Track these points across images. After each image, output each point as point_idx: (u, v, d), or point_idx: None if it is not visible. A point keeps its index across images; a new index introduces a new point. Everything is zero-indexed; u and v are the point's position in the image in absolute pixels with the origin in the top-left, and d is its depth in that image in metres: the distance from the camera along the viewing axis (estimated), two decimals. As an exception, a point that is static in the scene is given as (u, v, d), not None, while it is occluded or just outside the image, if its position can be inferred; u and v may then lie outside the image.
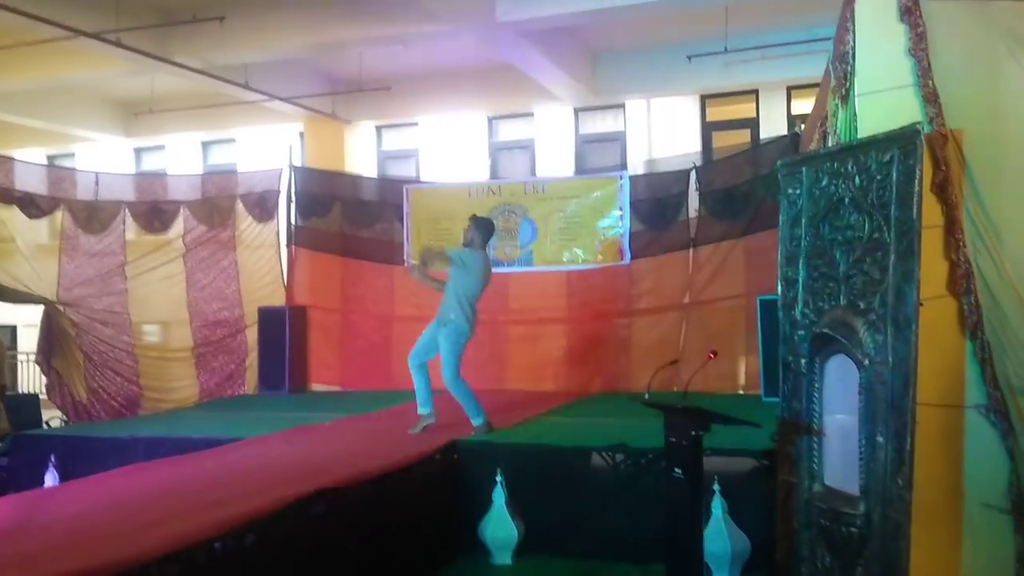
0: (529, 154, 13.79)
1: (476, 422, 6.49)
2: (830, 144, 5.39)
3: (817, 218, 4.61)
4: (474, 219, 6.95)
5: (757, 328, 7.98)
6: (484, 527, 5.47)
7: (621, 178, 9.94)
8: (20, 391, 12.13)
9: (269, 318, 9.94)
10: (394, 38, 10.34)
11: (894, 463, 3.96)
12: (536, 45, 10.49)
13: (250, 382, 10.09)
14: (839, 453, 4.46)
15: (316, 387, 10.31)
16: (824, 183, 4.56)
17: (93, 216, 9.63)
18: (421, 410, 6.69)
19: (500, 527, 5.44)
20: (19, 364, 13.67)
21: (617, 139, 13.35)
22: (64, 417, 9.10)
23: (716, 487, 5.00)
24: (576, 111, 13.45)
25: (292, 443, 6.39)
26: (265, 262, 10.35)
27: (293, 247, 10.51)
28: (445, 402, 6.90)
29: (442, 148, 14.02)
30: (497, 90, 12.94)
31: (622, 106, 13.25)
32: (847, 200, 4.37)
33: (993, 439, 4.27)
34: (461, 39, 10.58)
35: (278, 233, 10.42)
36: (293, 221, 10.53)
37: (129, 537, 3.63)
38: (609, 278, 9.75)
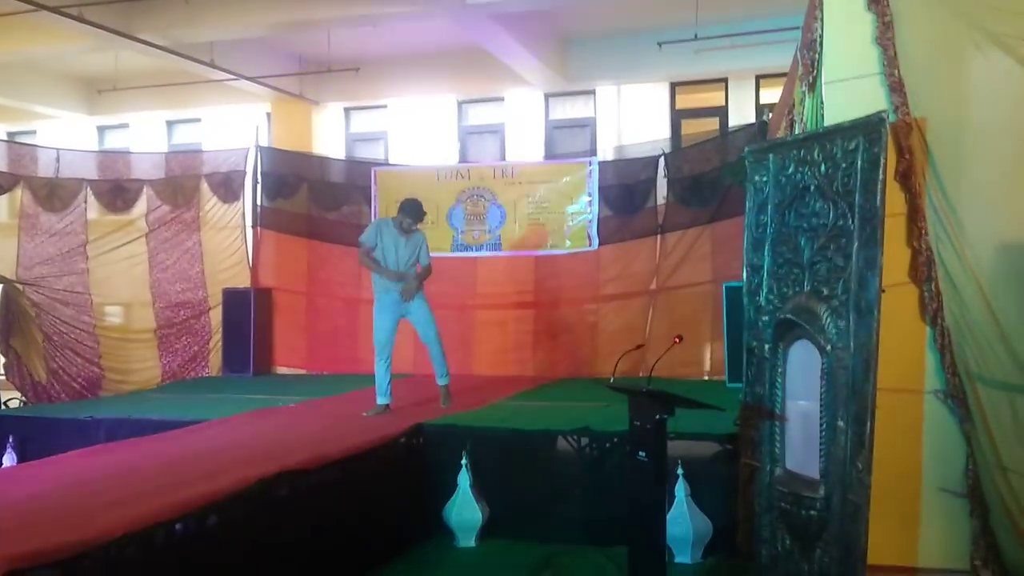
0: (499, 139, 13.74)
1: (444, 381, 6.96)
2: (797, 132, 5.43)
3: (783, 205, 4.64)
4: (401, 206, 7.05)
5: (723, 314, 8.04)
6: (449, 510, 5.48)
7: (590, 164, 9.95)
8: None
9: (234, 300, 9.84)
10: (363, 18, 10.22)
11: (854, 447, 4.02)
12: (507, 29, 10.43)
13: (214, 364, 9.99)
14: (800, 437, 4.51)
15: (281, 370, 10.24)
16: (790, 170, 4.60)
17: (54, 194, 9.45)
18: (384, 400, 6.80)
19: (465, 510, 5.45)
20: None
21: (587, 125, 13.35)
22: (23, 398, 8.95)
23: (680, 471, 5.04)
24: (546, 96, 13.42)
25: (255, 425, 6.35)
26: (230, 243, 10.23)
27: (259, 228, 10.39)
28: (409, 385, 6.91)
29: (411, 131, 13.93)
30: (467, 74, 12.86)
31: (592, 92, 13.24)
32: (812, 188, 4.40)
33: (951, 424, 4.36)
34: (431, 21, 10.50)
35: (244, 214, 10.30)
36: (259, 202, 10.41)
37: (88, 517, 3.58)
38: (577, 264, 9.77)
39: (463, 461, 5.49)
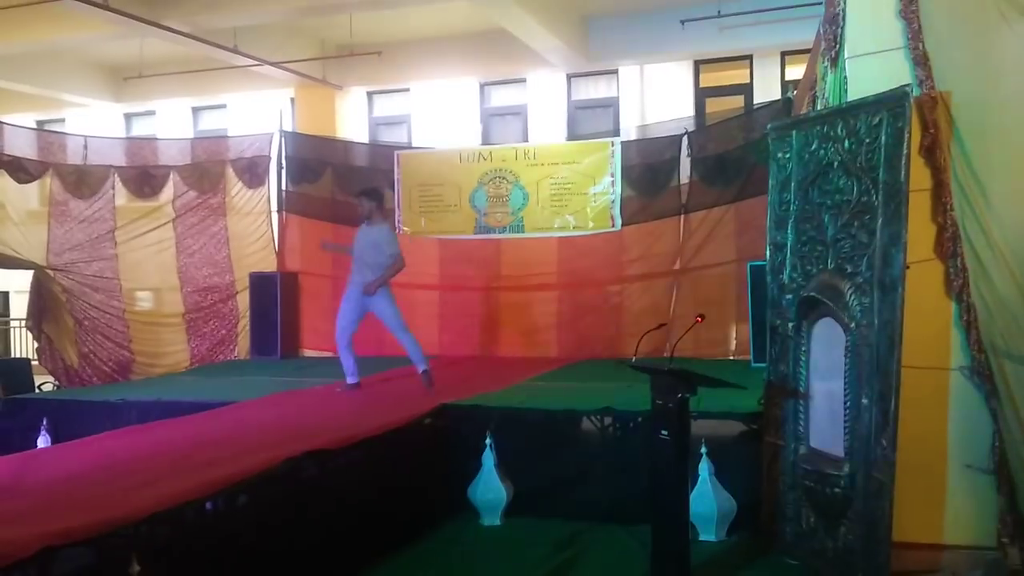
0: (521, 120, 13.71)
1: (423, 368, 7.05)
2: (820, 108, 5.38)
3: (806, 182, 4.62)
4: (360, 196, 7.45)
5: (747, 294, 8.00)
6: (474, 489, 5.52)
7: (613, 144, 9.89)
8: (12, 356, 12.13)
9: (260, 284, 9.94)
10: (385, 1, 10.23)
11: (879, 425, 4.01)
12: (528, 9, 10.39)
13: (242, 347, 10.10)
14: (825, 415, 4.51)
15: (308, 352, 10.32)
16: (814, 147, 4.57)
17: (82, 181, 9.57)
18: (353, 380, 7.16)
19: (489, 489, 5.49)
20: (11, 330, 13.65)
21: (610, 105, 13.28)
22: (56, 382, 9.11)
23: (703, 449, 5.04)
24: (569, 77, 13.35)
25: (283, 407, 6.43)
26: (256, 228, 10.31)
27: (284, 213, 10.46)
28: (433, 367, 6.97)
29: (434, 114, 13.93)
30: (489, 55, 12.84)
31: (615, 72, 13.16)
32: (836, 164, 4.38)
33: (977, 401, 4.32)
34: (453, 3, 10.48)
35: (269, 199, 10.37)
36: (284, 187, 10.48)
37: (120, 496, 3.65)
38: (600, 244, 9.74)
39: (487, 441, 5.53)
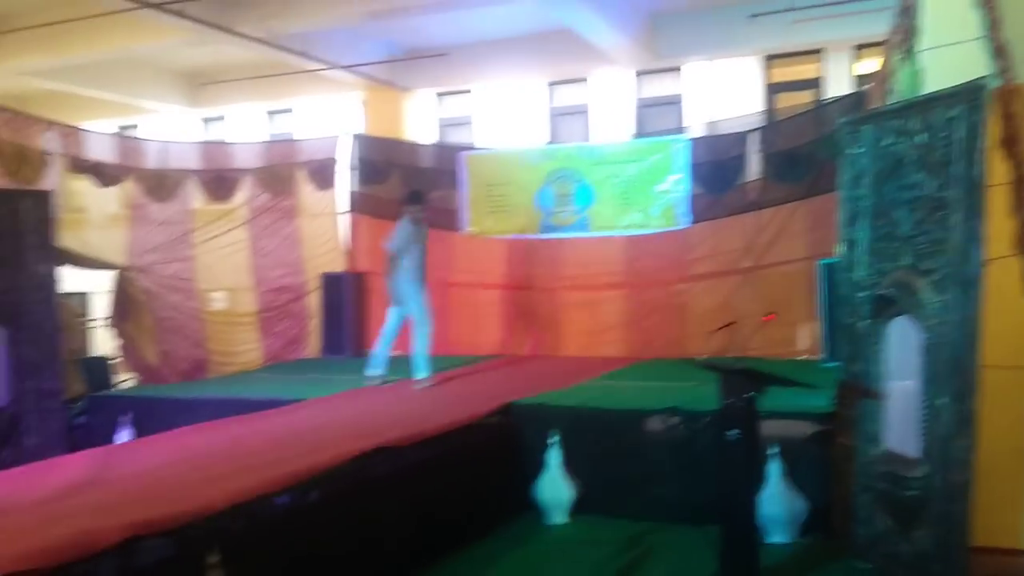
0: (586, 119, 13.67)
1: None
2: (893, 102, 5.24)
3: (880, 177, 4.52)
4: (408, 199, 7.98)
5: (819, 292, 7.85)
6: (539, 487, 5.54)
7: (680, 141, 9.79)
8: (93, 355, 12.58)
9: (331, 284, 10.12)
10: (451, 4, 10.32)
11: (957, 425, 3.91)
12: (593, 8, 10.36)
13: (312, 346, 10.30)
14: (900, 416, 4.40)
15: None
16: (888, 141, 4.47)
17: (160, 184, 9.85)
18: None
19: (554, 487, 5.50)
20: (93, 329, 14.16)
21: (676, 102, 13.14)
22: (136, 379, 9.42)
23: (774, 450, 4.96)
24: (636, 74, 13.27)
25: (353, 404, 6.55)
26: (326, 229, 10.51)
27: (353, 214, 10.63)
28: (500, 366, 7.00)
29: (499, 114, 14.00)
30: (554, 55, 12.83)
31: (682, 68, 13.03)
32: (911, 158, 4.27)
33: (1060, 402, 4.16)
34: (519, 4, 10.51)
35: (338, 200, 10.54)
36: (353, 188, 10.65)
37: (198, 490, 3.77)
38: (667, 243, 9.65)
39: (553, 439, 5.54)
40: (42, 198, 6.74)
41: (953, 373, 3.92)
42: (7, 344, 6.30)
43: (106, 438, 6.33)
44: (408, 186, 10.69)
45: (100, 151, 9.34)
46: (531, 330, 10.10)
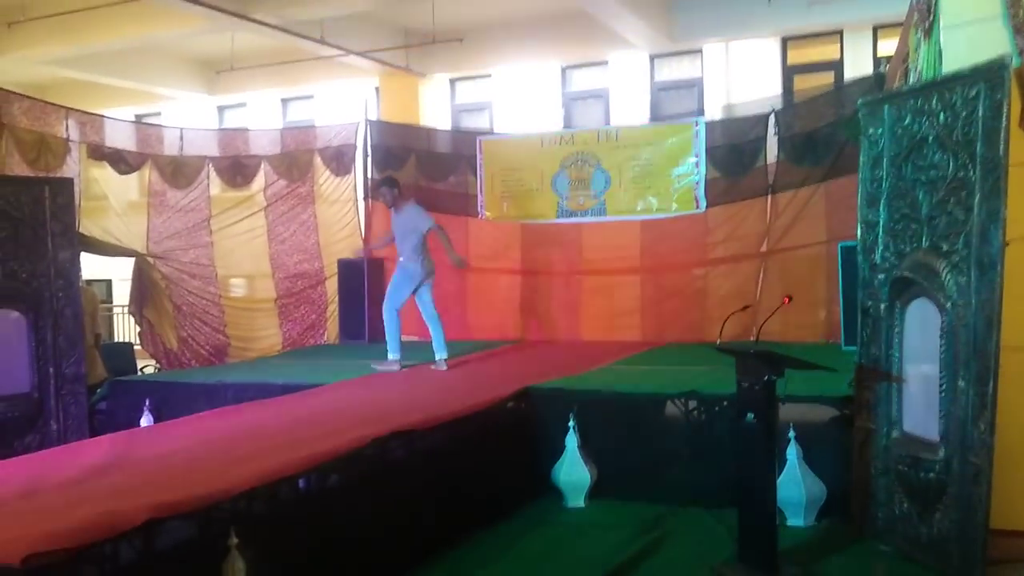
0: (603, 103, 13.63)
1: (392, 356, 7.56)
2: (912, 81, 5.19)
3: (899, 158, 4.48)
4: (379, 188, 8.22)
5: (838, 275, 7.80)
6: (557, 471, 5.56)
7: (697, 124, 9.74)
8: (116, 340, 12.72)
9: (348, 270, 10.15)
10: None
11: (976, 408, 3.88)
12: (610, -11, 10.31)
13: (331, 332, 10.36)
14: (919, 398, 4.39)
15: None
16: (907, 121, 4.42)
17: (179, 171, 9.92)
18: (395, 355, 7.61)
19: (573, 471, 5.52)
20: (115, 316, 14.32)
21: (694, 85, 13.08)
22: (157, 364, 9.52)
23: (791, 434, 4.95)
24: (651, 57, 13.20)
25: (371, 389, 6.59)
26: (343, 215, 10.53)
27: (370, 200, 10.65)
28: (517, 350, 6.99)
29: (515, 99, 13.97)
30: (570, 39, 12.79)
31: (699, 51, 12.95)
32: (931, 138, 4.23)
33: (1081, 384, 4.13)
34: (534, -13, 10.47)
35: (355, 187, 10.57)
36: (369, 174, 10.67)
37: (219, 472, 3.81)
38: (684, 227, 9.62)
39: (571, 423, 5.55)
40: (63, 185, 6.78)
41: (972, 356, 3.90)
42: (31, 330, 6.36)
43: (127, 423, 6.39)
44: (424, 172, 10.75)
45: (119, 138, 9.41)
46: (534, 316, 10.11)
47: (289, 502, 3.98)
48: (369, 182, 10.67)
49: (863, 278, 4.76)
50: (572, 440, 5.55)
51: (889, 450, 4.52)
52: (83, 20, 10.85)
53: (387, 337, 7.72)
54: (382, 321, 7.93)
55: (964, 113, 3.96)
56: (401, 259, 7.79)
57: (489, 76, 14.29)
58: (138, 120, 13.46)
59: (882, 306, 4.61)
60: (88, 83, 14.22)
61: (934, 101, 4.16)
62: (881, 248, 4.61)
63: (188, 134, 10.27)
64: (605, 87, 13.69)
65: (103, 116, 9.49)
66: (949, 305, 4.06)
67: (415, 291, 7.74)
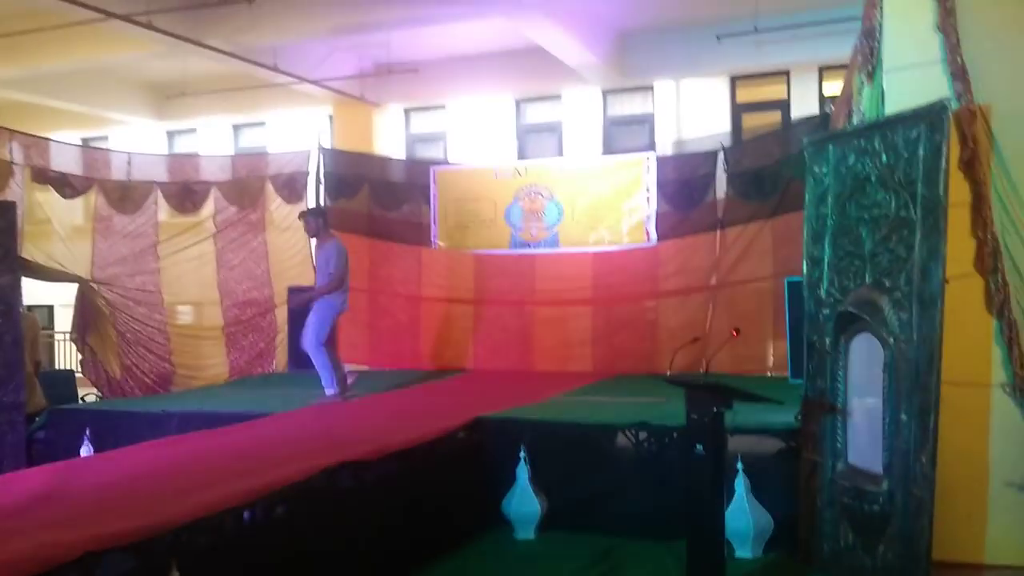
0: (556, 136, 13.77)
1: (329, 392, 7.32)
2: (856, 122, 5.35)
3: (843, 196, 4.60)
4: (304, 216, 8.06)
5: (785, 309, 7.94)
6: (508, 502, 5.53)
7: (648, 159, 9.90)
8: (57, 368, 12.37)
9: (298, 298, 10.02)
10: (422, 20, 10.38)
11: (918, 441, 3.96)
12: (563, 26, 10.47)
13: (280, 360, 10.21)
14: (863, 431, 4.47)
15: (345, 366, 10.38)
16: (851, 161, 4.55)
17: (126, 196, 9.74)
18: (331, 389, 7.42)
19: (524, 502, 5.49)
20: (56, 343, 13.93)
21: (646, 121, 13.29)
22: (99, 393, 9.27)
23: (739, 465, 5.00)
24: (604, 93, 13.40)
25: (320, 419, 6.49)
26: (295, 243, 10.42)
27: (321, 228, 10.55)
28: (467, 380, 6.97)
29: (470, 130, 14.05)
30: (524, 72, 12.93)
31: (651, 88, 13.18)
32: (874, 178, 4.35)
33: (1018, 418, 4.26)
34: (489, 21, 10.58)
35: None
36: (322, 202, 10.61)
37: (160, 504, 3.71)
38: (636, 259, 9.74)
39: (521, 454, 5.54)
40: (5, 209, 6.62)
41: (914, 389, 3.98)
42: (-33, 357, 6.17)
43: (67, 452, 6.20)
44: (378, 200, 10.74)
45: (65, 162, 9.22)
46: (486, 346, 10.09)
47: (234, 535, 3.89)
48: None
49: (809, 312, 4.85)
50: (523, 471, 5.53)
51: (834, 482, 4.58)
52: (31, 42, 10.65)
53: (321, 373, 7.49)
54: (332, 350, 7.81)
55: (905, 154, 4.09)
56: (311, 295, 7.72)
57: (443, 107, 14.36)
58: (85, 144, 13.22)
59: (827, 340, 4.70)
60: (34, 105, 13.94)
61: (877, 142, 4.29)
62: (826, 284, 4.71)
63: (136, 159, 10.12)
64: (558, 120, 13.85)
65: (48, 139, 9.31)
66: (892, 340, 4.15)
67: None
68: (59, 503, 3.84)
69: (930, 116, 3.97)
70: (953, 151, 4.08)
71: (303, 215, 8.11)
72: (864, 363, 4.47)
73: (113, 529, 3.22)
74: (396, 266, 10.63)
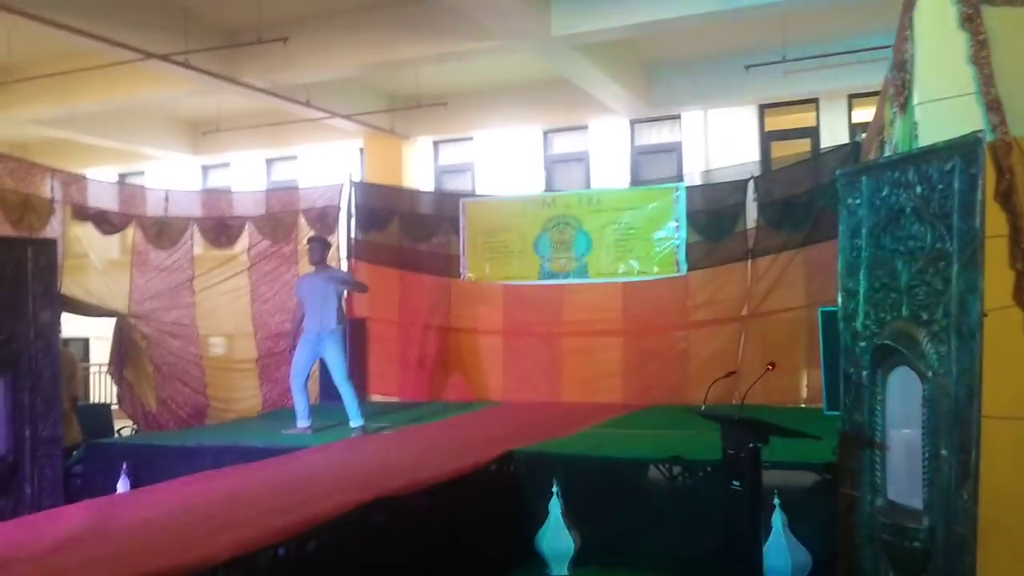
0: (584, 166, 13.83)
1: (358, 423, 7.37)
2: (887, 153, 5.32)
3: (878, 228, 4.55)
4: (310, 242, 8.18)
5: (819, 340, 7.87)
6: (541, 538, 5.49)
7: (677, 189, 9.90)
8: (92, 401, 12.53)
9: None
10: (450, 55, 10.50)
11: (959, 476, 3.89)
12: (591, 58, 10.55)
13: (312, 392, 10.24)
14: (902, 466, 4.39)
15: (375, 398, 10.45)
16: (884, 193, 4.51)
17: (163, 232, 9.92)
18: (304, 423, 7.54)
19: (557, 538, 5.46)
20: (91, 375, 14.13)
21: (673, 150, 13.31)
22: (135, 426, 9.38)
23: (776, 501, 4.94)
24: (631, 123, 13.45)
25: (352, 452, 6.52)
26: (326, 276, 10.51)
27: (353, 260, 10.68)
28: (500, 413, 6.97)
29: (498, 162, 14.15)
30: (552, 104, 13.04)
31: (678, 117, 13.21)
32: (908, 210, 4.31)
33: (1063, 453, 4.16)
34: (517, 54, 10.69)
35: (338, 247, 10.60)
36: (353, 235, 10.72)
37: (197, 541, 3.74)
38: (665, 290, 9.71)
39: (554, 489, 5.51)
40: (46, 246, 6.75)
41: (954, 424, 3.92)
42: (8, 392, 6.27)
43: (104, 486, 6.29)
44: (408, 233, 10.83)
45: (103, 199, 9.41)
46: (515, 377, 10.06)
47: (268, 572, 3.91)
48: (352, 242, 10.71)
49: (845, 345, 4.79)
50: (556, 506, 5.50)
51: (873, 518, 4.50)
52: (72, 81, 10.94)
53: (353, 405, 7.58)
54: (365, 381, 7.86)
55: (941, 186, 4.05)
56: (330, 326, 7.64)
57: (471, 139, 14.48)
58: (121, 179, 13.50)
59: (864, 373, 4.63)
60: (71, 142, 14.27)
61: (911, 174, 4.25)
62: (862, 316, 4.65)
63: (173, 195, 10.31)
64: (586, 150, 13.91)
65: (88, 177, 9.51)
66: (930, 374, 4.09)
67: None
68: (100, 540, 3.88)
69: (965, 148, 3.94)
70: (989, 183, 4.04)
71: (313, 240, 8.18)
72: (902, 397, 4.41)
73: (154, 567, 3.24)
74: (426, 297, 10.69)
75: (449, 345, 10.43)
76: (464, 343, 10.42)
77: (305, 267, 10.52)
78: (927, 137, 4.42)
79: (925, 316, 4.16)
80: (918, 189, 4.22)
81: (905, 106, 4.78)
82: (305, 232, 10.55)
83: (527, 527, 5.56)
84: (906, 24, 4.70)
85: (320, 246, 7.96)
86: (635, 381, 9.65)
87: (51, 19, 8.41)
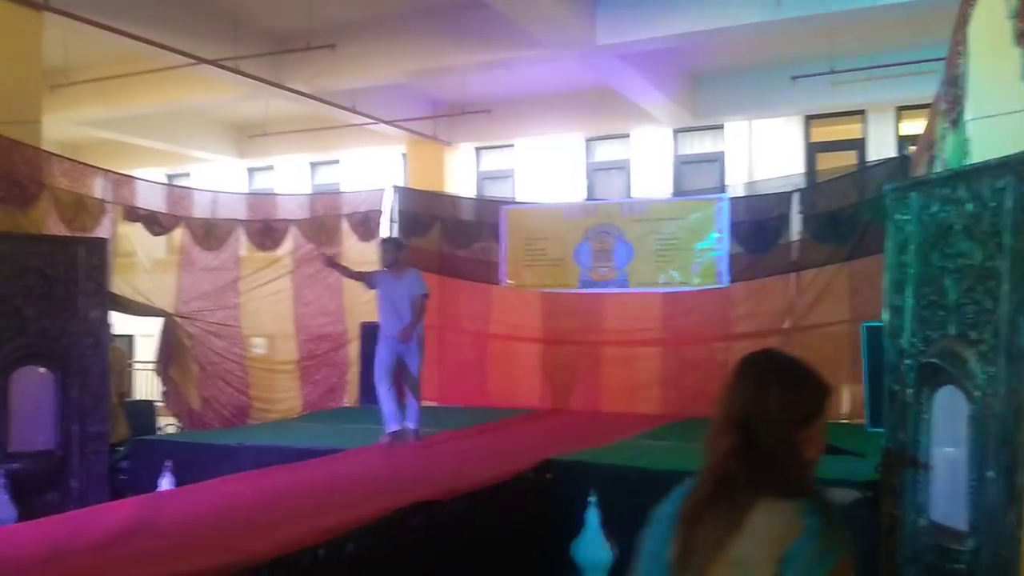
0: (626, 175, 13.81)
1: (414, 425, 7.19)
2: (937, 169, 5.25)
3: (926, 245, 4.50)
4: (383, 243, 7.98)
5: (862, 355, 7.76)
6: (577, 547, 5.48)
7: (720, 200, 9.84)
8: (136, 398, 12.77)
9: (371, 333, 10.11)
10: (496, 63, 10.57)
11: (1005, 499, 3.83)
12: (635, 67, 10.54)
13: (351, 395, 10.37)
14: (946, 487, 4.33)
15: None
16: (934, 209, 4.45)
17: (210, 233, 10.08)
18: (394, 426, 7.12)
19: (593, 548, 5.43)
20: (136, 373, 14.39)
21: (716, 160, 13.24)
22: (179, 424, 9.54)
23: (592, 498, 4.88)
24: (675, 132, 13.40)
25: (391, 456, 6.57)
26: (368, 279, 10.62)
27: (395, 264, 10.74)
28: (537, 420, 6.96)
29: (539, 169, 14.19)
30: (595, 112, 13.04)
31: (721, 127, 13.14)
32: (958, 227, 4.25)
33: (1114, 478, 4.06)
34: (561, 62, 10.72)
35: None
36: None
37: (240, 540, 3.81)
38: (707, 301, 9.65)
39: (592, 498, 5.50)
40: (97, 245, 6.93)
41: (1002, 446, 3.86)
42: (57, 388, 6.43)
43: (148, 483, 6.40)
44: (449, 239, 10.89)
45: (152, 200, 9.59)
46: (554, 385, 10.06)
47: (309, 572, 3.96)
48: (395, 248, 10.78)
49: (890, 362, 4.74)
50: (593, 516, 5.48)
51: (916, 538, 4.44)
52: (124, 85, 11.18)
53: (413, 410, 7.42)
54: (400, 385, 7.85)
55: (992, 204, 3.99)
56: (408, 328, 7.29)
57: (513, 145, 14.53)
58: (169, 180, 13.75)
59: (909, 391, 4.58)
60: (121, 143, 14.59)
61: (961, 191, 4.20)
62: (908, 333, 4.60)
63: (220, 197, 10.48)
64: (627, 159, 13.89)
65: (137, 178, 9.71)
66: (978, 394, 4.04)
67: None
68: (145, 537, 3.97)
69: (1018, 166, 3.88)
70: (1041, 201, 3.97)
71: (387, 241, 7.87)
72: (948, 416, 4.35)
73: (198, 566, 3.31)
74: (466, 303, 10.73)
75: (487, 351, 10.46)
76: (502, 350, 10.45)
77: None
78: (979, 154, 4.37)
79: (973, 335, 4.10)
80: (968, 206, 4.17)
81: (957, 122, 4.72)
82: (348, 236, 10.68)
83: (564, 536, 5.55)
84: (959, 39, 4.64)
85: (394, 247, 7.57)
86: (674, 392, 9.59)
87: (107, 24, 8.61)
